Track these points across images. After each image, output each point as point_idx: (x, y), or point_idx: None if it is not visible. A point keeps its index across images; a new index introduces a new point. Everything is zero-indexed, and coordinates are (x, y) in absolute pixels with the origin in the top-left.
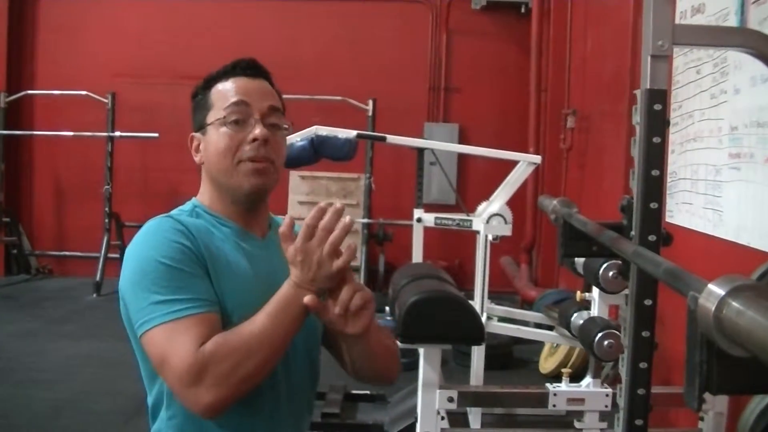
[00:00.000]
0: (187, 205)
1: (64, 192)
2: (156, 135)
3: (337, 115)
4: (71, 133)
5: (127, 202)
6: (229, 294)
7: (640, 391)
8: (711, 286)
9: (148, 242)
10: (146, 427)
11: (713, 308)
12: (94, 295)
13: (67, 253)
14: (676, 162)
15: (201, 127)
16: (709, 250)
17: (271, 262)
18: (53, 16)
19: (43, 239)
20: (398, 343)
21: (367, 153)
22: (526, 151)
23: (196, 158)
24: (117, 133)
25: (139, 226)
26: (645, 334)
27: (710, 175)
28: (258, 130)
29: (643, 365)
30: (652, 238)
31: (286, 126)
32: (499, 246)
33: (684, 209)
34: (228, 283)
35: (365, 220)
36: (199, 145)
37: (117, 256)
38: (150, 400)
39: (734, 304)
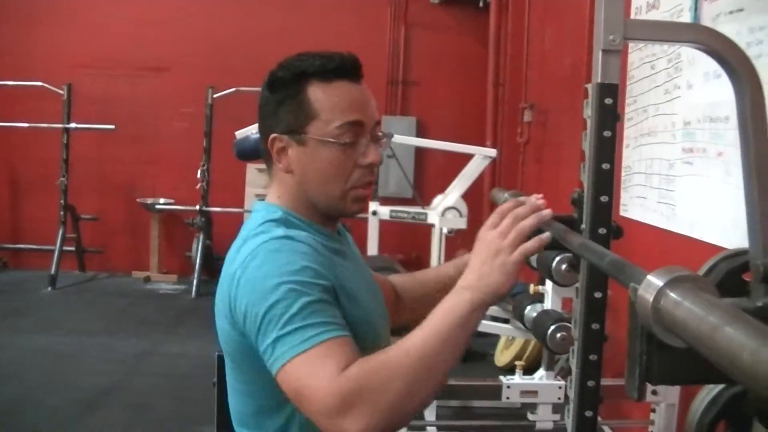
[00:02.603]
0: (275, 213)
1: (19, 184)
2: (112, 127)
3: None
4: (26, 125)
5: (83, 195)
6: (356, 308)
7: (590, 383)
8: (650, 277)
9: (276, 265)
10: (102, 421)
11: (651, 299)
12: (49, 289)
13: (22, 245)
14: (630, 156)
15: (295, 132)
16: (662, 244)
17: (353, 251)
18: (8, 5)
19: None
20: None
21: None
22: (484, 145)
23: (280, 164)
24: (73, 125)
25: (96, 219)
26: (595, 326)
27: (664, 169)
28: (373, 155)
29: (593, 357)
30: (602, 231)
31: (384, 137)
32: (455, 239)
33: (638, 203)
34: (352, 303)
35: None
36: (286, 149)
37: (72, 249)
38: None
39: (672, 295)
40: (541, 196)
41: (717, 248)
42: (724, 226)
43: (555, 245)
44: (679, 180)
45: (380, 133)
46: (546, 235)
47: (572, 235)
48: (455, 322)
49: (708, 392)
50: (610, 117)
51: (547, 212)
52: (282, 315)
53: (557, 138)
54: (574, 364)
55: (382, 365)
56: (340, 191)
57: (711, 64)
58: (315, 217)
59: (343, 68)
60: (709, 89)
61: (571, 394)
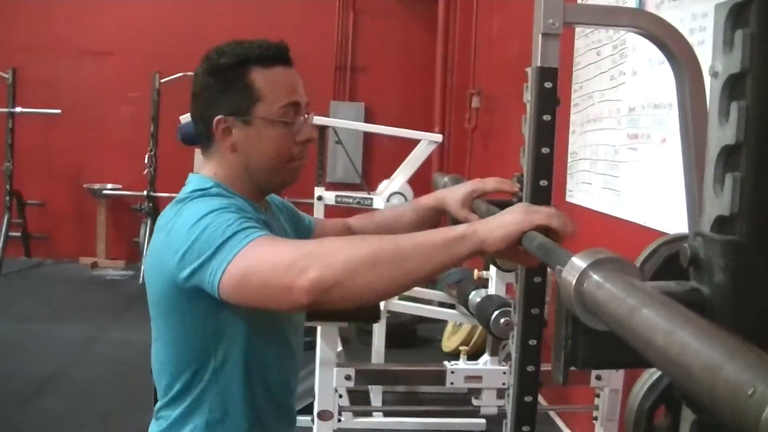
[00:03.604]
0: (207, 184)
1: None
2: (58, 111)
3: None
4: None
5: (29, 180)
6: None
7: (530, 368)
8: (574, 259)
9: (208, 204)
10: (46, 409)
11: (574, 281)
12: None
13: None
14: (576, 142)
15: (241, 113)
16: (607, 230)
17: (282, 226)
18: None
19: None
20: None
21: None
22: (432, 131)
23: (224, 143)
24: (18, 109)
25: (41, 204)
26: (534, 311)
27: (609, 155)
28: (308, 132)
29: (532, 342)
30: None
31: (309, 116)
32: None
33: (583, 189)
34: None
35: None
36: (230, 129)
37: (18, 234)
38: (169, 401)
39: (595, 276)
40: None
41: (661, 234)
42: (668, 212)
43: None
44: (624, 166)
45: (308, 113)
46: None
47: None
48: (442, 239)
49: (649, 377)
50: (550, 101)
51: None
52: (217, 229)
53: (504, 124)
54: (513, 349)
55: (349, 238)
56: (281, 164)
57: (656, 51)
58: (247, 192)
59: (280, 55)
60: (653, 75)
61: (511, 380)
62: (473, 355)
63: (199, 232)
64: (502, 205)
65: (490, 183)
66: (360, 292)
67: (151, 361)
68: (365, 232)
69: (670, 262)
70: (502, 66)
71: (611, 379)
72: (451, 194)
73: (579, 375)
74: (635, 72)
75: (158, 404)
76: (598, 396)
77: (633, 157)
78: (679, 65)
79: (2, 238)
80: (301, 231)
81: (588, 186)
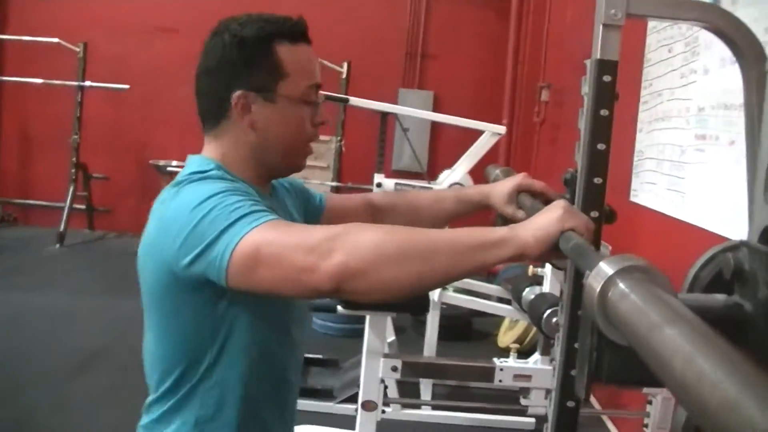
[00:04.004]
0: (208, 166)
1: (31, 140)
2: (126, 87)
3: None
4: (40, 81)
5: (95, 154)
6: None
7: (573, 372)
8: (602, 264)
9: (208, 187)
10: (90, 382)
11: (599, 288)
12: (57, 246)
13: (32, 202)
14: (643, 141)
15: (265, 90)
16: (669, 233)
17: (286, 210)
18: None
19: (9, 187)
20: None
21: (339, 116)
22: (500, 123)
23: (242, 120)
24: (87, 83)
25: (106, 178)
26: (581, 313)
27: (675, 155)
28: (324, 115)
29: (577, 345)
30: (594, 214)
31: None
32: (468, 217)
33: (648, 189)
34: None
35: (334, 183)
36: (249, 106)
37: (83, 207)
38: (160, 396)
39: (621, 285)
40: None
41: (723, 239)
42: (732, 217)
43: None
44: (690, 167)
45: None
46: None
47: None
48: (478, 240)
49: None
50: (608, 95)
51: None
52: (223, 211)
53: (573, 119)
54: (558, 352)
55: (383, 228)
56: (299, 147)
57: (728, 50)
58: (251, 175)
59: (304, 32)
60: (725, 75)
61: (554, 383)
62: (527, 353)
63: (203, 215)
64: (548, 202)
65: (538, 184)
66: (385, 286)
67: (143, 354)
68: (394, 211)
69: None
70: (573, 59)
71: None
72: (497, 190)
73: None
74: (707, 71)
75: (149, 399)
76: (650, 403)
77: (700, 158)
78: (748, 64)
79: (66, 210)
80: (311, 210)
81: (652, 186)
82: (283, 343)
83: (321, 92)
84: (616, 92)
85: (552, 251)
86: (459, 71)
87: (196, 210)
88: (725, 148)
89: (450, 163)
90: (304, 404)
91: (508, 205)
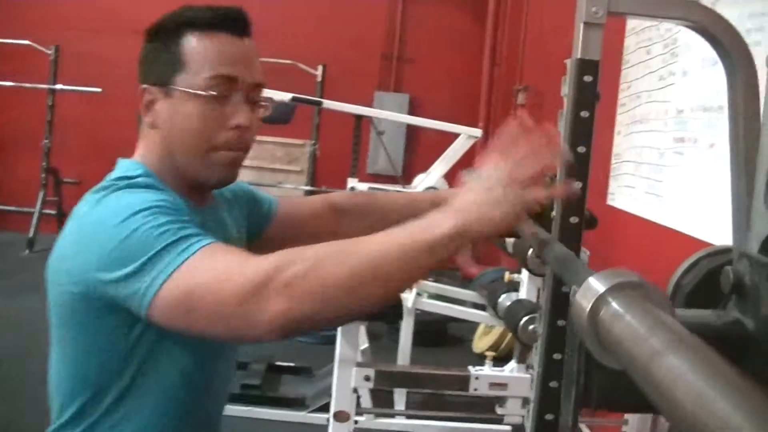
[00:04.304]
0: (135, 171)
1: (2, 144)
2: (99, 90)
3: (286, 78)
4: (11, 84)
5: (67, 158)
6: None
7: (553, 384)
8: (591, 280)
9: (133, 199)
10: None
11: (589, 307)
12: (27, 252)
13: (2, 207)
14: (621, 144)
15: (163, 83)
16: (648, 236)
17: (223, 225)
18: None
19: None
20: None
21: (313, 119)
22: (476, 126)
23: (147, 118)
24: (58, 86)
25: (78, 183)
26: (561, 322)
27: (654, 158)
28: (243, 116)
29: (557, 356)
30: (574, 220)
31: (264, 104)
32: None
33: (626, 192)
34: None
35: (308, 188)
36: (154, 102)
37: (54, 212)
38: (61, 426)
39: (613, 304)
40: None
41: (703, 244)
42: (713, 221)
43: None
44: (669, 170)
45: (259, 100)
46: (577, 186)
47: (525, 224)
48: (426, 242)
49: None
50: (589, 96)
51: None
52: (151, 233)
53: (552, 122)
54: (536, 363)
55: (317, 254)
56: (202, 150)
57: (708, 51)
58: (180, 185)
59: (226, 20)
60: (704, 77)
61: (532, 395)
62: (503, 359)
63: (128, 234)
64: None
65: None
66: (336, 318)
67: (48, 375)
68: (360, 213)
69: (711, 276)
70: (551, 62)
71: None
72: None
73: None
74: (686, 73)
75: (50, 428)
76: None
77: (679, 161)
78: (732, 64)
79: (36, 216)
80: (259, 220)
81: (631, 189)
82: (206, 378)
83: (276, 92)
84: (597, 93)
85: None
86: (435, 74)
87: (120, 227)
88: (705, 151)
89: (426, 167)
90: (275, 414)
91: None
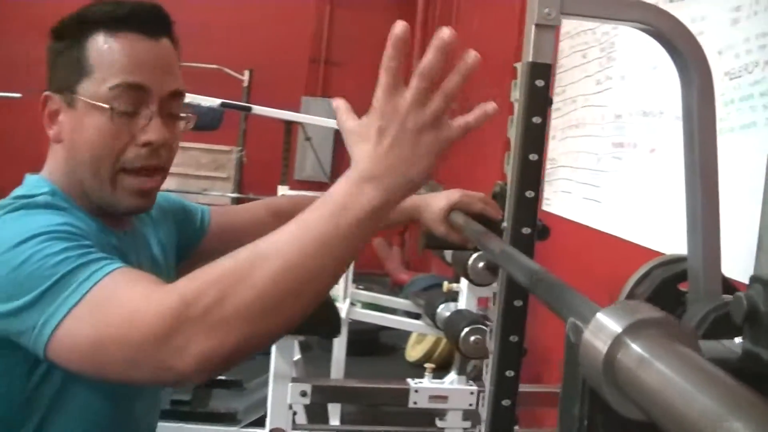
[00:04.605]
0: (40, 189)
1: None
2: (18, 95)
3: (212, 84)
4: None
5: None
6: None
7: (505, 402)
8: (602, 317)
9: (26, 222)
10: None
11: (605, 350)
12: None
13: None
14: (556, 149)
15: (66, 91)
16: (586, 243)
17: (146, 248)
18: None
19: None
20: None
21: (240, 125)
22: None
23: (51, 130)
24: None
25: None
26: (513, 338)
27: (591, 164)
28: (155, 132)
29: (509, 373)
30: (526, 230)
31: (185, 116)
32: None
33: (562, 198)
34: None
35: (235, 195)
36: (57, 112)
37: None
38: None
39: (635, 347)
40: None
41: (643, 249)
42: (653, 228)
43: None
44: (607, 176)
45: (177, 112)
46: (491, 106)
47: (491, 240)
48: (347, 225)
49: None
50: (541, 101)
51: (475, 57)
52: (45, 261)
53: (481, 127)
54: (487, 380)
55: (225, 272)
56: (108, 171)
57: (648, 54)
58: (91, 206)
59: (137, 18)
60: (643, 81)
61: (483, 413)
62: (438, 366)
63: (20, 262)
64: (484, 219)
65: (477, 202)
66: (267, 340)
67: None
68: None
69: (665, 286)
70: (481, 67)
71: None
72: (430, 206)
73: (548, 396)
74: (623, 77)
75: None
76: None
77: (617, 166)
78: (687, 69)
79: None
80: (190, 235)
81: (567, 195)
82: (123, 421)
83: (192, 95)
84: (549, 98)
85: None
86: (363, 79)
87: (10, 254)
88: (645, 156)
89: None
90: (207, 430)
91: (441, 223)
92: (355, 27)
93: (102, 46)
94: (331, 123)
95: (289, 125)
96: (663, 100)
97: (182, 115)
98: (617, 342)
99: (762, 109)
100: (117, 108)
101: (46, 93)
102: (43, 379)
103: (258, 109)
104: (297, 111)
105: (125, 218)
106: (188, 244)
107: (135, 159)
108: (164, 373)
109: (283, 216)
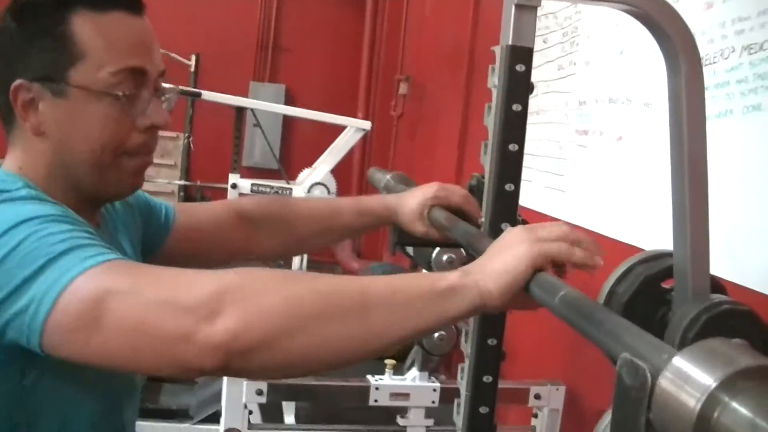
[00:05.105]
0: (14, 185)
1: None
2: None
3: None
4: None
5: None
6: None
7: (483, 410)
8: (684, 363)
9: (16, 211)
10: None
11: (697, 408)
12: None
13: None
14: None
15: (52, 79)
16: None
17: (118, 246)
18: None
19: None
20: None
21: (187, 111)
22: (355, 117)
23: (26, 122)
24: None
25: None
26: (492, 341)
27: (554, 152)
28: (159, 115)
29: (487, 379)
30: (504, 226)
31: (168, 96)
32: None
33: (524, 187)
34: None
35: (183, 182)
36: (35, 102)
37: None
38: None
39: (741, 410)
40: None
41: (608, 240)
42: (621, 219)
43: (449, 243)
44: (570, 164)
45: (165, 87)
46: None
47: (485, 242)
48: (422, 289)
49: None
50: (522, 87)
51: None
52: (41, 243)
53: (434, 114)
54: (463, 386)
55: (286, 273)
56: (110, 159)
57: (613, 40)
58: (69, 200)
59: None
60: (609, 67)
61: (459, 421)
62: (397, 359)
63: (12, 247)
64: (465, 217)
65: (456, 196)
66: (292, 361)
67: None
68: (272, 222)
69: (648, 284)
70: (435, 52)
71: (551, 397)
72: (404, 204)
73: (515, 392)
74: (588, 62)
75: None
76: (535, 416)
77: (581, 155)
78: (675, 53)
79: None
80: (154, 232)
81: (528, 184)
82: (110, 428)
83: (168, 85)
84: (531, 84)
85: (520, 297)
86: (312, 64)
87: (2, 238)
88: (612, 144)
89: (304, 161)
90: (158, 427)
91: (419, 221)
92: (303, 12)
93: (92, 27)
94: (288, 110)
95: (240, 111)
96: (630, 86)
97: (168, 91)
98: (713, 399)
99: (739, 96)
100: (121, 93)
101: (19, 82)
102: (28, 392)
103: (208, 95)
104: (245, 96)
105: (97, 214)
106: (152, 241)
107: (139, 145)
108: (180, 349)
109: (250, 221)
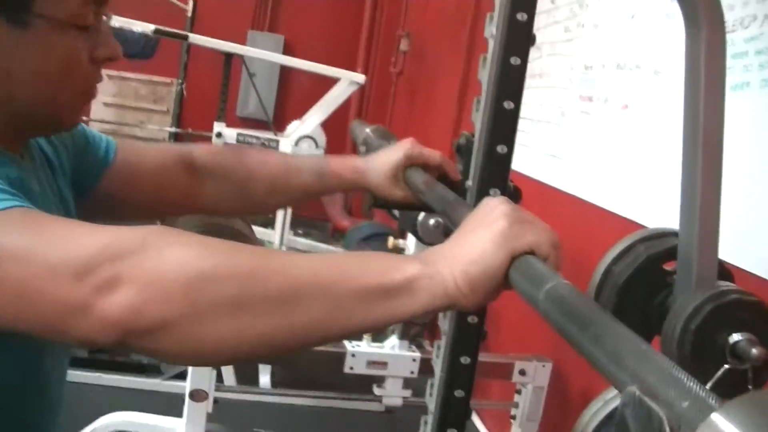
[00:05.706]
0: None
1: None
2: None
3: (153, 11)
4: None
5: None
6: None
7: (458, 393)
8: (726, 425)
9: None
10: None
11: None
12: None
13: None
14: None
15: (9, 8)
16: (546, 201)
17: (48, 175)
18: None
19: None
20: None
21: (181, 57)
22: (355, 71)
23: None
24: None
25: None
26: (472, 319)
27: (555, 117)
28: (114, 48)
29: (465, 360)
30: (494, 192)
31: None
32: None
33: (520, 152)
34: None
35: (173, 129)
36: None
37: None
38: None
39: None
40: None
41: (606, 212)
42: (620, 191)
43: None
44: (572, 132)
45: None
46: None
47: (464, 212)
48: (379, 281)
49: (604, 405)
50: (522, 39)
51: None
52: None
53: (434, 72)
54: (438, 366)
55: (197, 239)
56: (70, 95)
57: (624, 3)
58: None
59: None
60: (618, 31)
61: (431, 403)
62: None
63: None
64: (448, 182)
65: (435, 157)
66: (203, 348)
67: None
68: (222, 176)
69: (649, 265)
70: (438, 8)
71: (537, 374)
72: (376, 167)
73: (499, 367)
74: (596, 25)
75: None
76: (519, 392)
77: (584, 122)
78: (696, 16)
79: None
80: (90, 167)
81: (525, 149)
82: (32, 384)
83: (125, 19)
84: (533, 36)
85: (496, 290)
86: (313, 17)
87: None
88: (617, 113)
89: (298, 114)
90: (128, 381)
91: (395, 186)
92: None
93: None
94: (278, 58)
95: (230, 58)
96: (640, 52)
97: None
98: None
99: (757, 68)
100: (84, 24)
101: None
102: None
103: (195, 38)
104: (243, 45)
105: (20, 143)
106: (87, 177)
107: (93, 74)
108: (73, 321)
109: (198, 169)
